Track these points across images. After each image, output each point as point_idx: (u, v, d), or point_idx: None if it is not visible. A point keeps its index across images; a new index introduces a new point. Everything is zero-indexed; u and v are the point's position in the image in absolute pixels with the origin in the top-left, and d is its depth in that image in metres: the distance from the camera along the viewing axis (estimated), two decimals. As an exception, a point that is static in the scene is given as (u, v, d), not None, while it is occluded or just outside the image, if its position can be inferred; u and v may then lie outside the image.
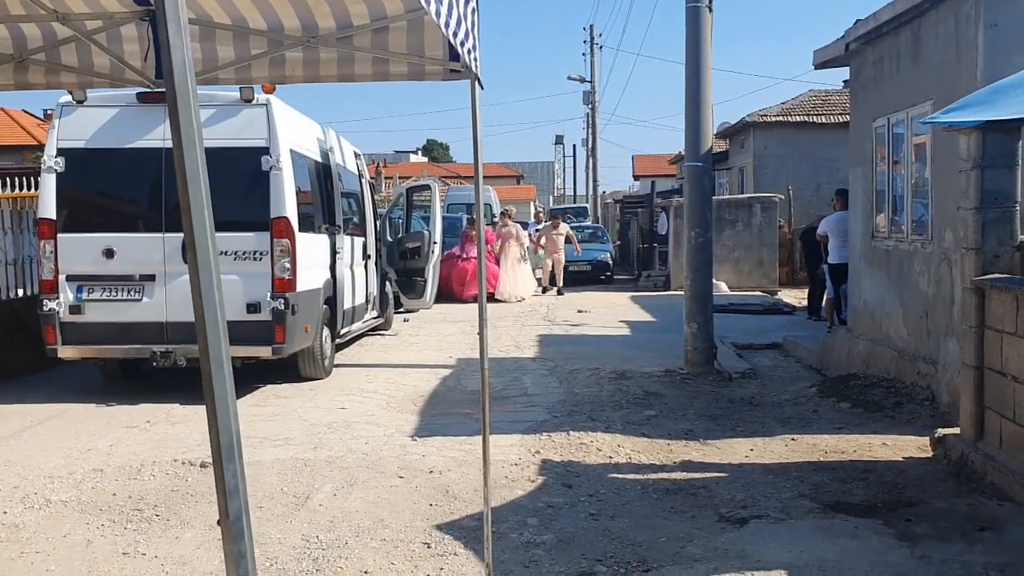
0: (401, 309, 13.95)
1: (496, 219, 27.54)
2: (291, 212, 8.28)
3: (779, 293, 19.57)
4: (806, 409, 8.02)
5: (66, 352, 8.35)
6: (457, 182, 50.98)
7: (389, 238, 13.34)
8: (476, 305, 15.84)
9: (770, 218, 20.43)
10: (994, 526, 4.74)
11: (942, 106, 6.12)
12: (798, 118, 25.07)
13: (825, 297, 13.26)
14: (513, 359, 10.76)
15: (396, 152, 75.85)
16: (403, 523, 5.05)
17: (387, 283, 12.83)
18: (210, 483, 5.80)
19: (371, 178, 14.30)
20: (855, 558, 4.37)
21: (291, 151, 8.47)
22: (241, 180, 8.40)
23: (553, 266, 20.17)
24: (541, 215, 21.17)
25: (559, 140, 77.14)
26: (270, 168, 8.16)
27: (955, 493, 5.37)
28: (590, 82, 35.57)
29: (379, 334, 12.94)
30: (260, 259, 8.23)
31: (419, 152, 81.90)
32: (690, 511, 5.23)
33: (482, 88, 4.02)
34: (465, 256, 18.16)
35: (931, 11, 7.60)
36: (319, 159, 9.63)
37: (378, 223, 12.70)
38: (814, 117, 24.90)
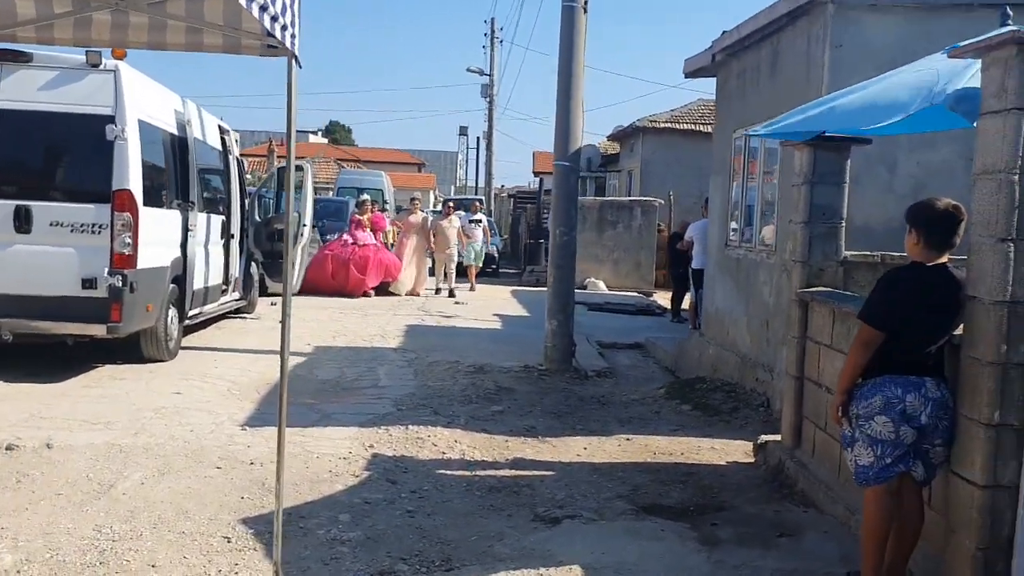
0: (270, 292, 13.58)
1: (387, 206, 27.23)
2: (135, 185, 7.89)
3: (655, 295, 19.96)
4: (649, 410, 8.15)
5: None
6: (355, 166, 50.18)
7: (258, 218, 12.95)
8: (355, 292, 15.22)
9: (649, 222, 20.85)
10: (794, 532, 4.88)
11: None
12: (686, 126, 25.60)
13: (690, 300, 13.60)
14: (373, 349, 10.59)
15: (296, 131, 74.02)
16: (208, 516, 4.85)
17: (253, 265, 12.45)
18: (13, 467, 5.49)
19: (264, 155, 13.82)
20: (653, 560, 4.41)
21: (140, 121, 8.06)
22: (83, 148, 7.99)
23: (445, 264, 17.73)
24: (450, 205, 18.78)
25: (463, 131, 76.62)
26: (115, 138, 7.75)
27: (766, 499, 5.51)
28: (489, 75, 35.56)
29: (241, 317, 12.55)
30: (99, 232, 7.81)
31: (319, 133, 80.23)
32: (508, 509, 5.20)
33: (300, 67, 3.87)
34: (362, 243, 16.50)
35: (788, 27, 7.81)
36: (174, 131, 9.22)
37: (246, 202, 12.31)
38: (701, 126, 25.45)
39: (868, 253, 6.28)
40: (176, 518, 4.78)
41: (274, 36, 3.50)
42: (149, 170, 8.31)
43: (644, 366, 11.07)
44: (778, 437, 6.24)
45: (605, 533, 4.81)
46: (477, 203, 22.94)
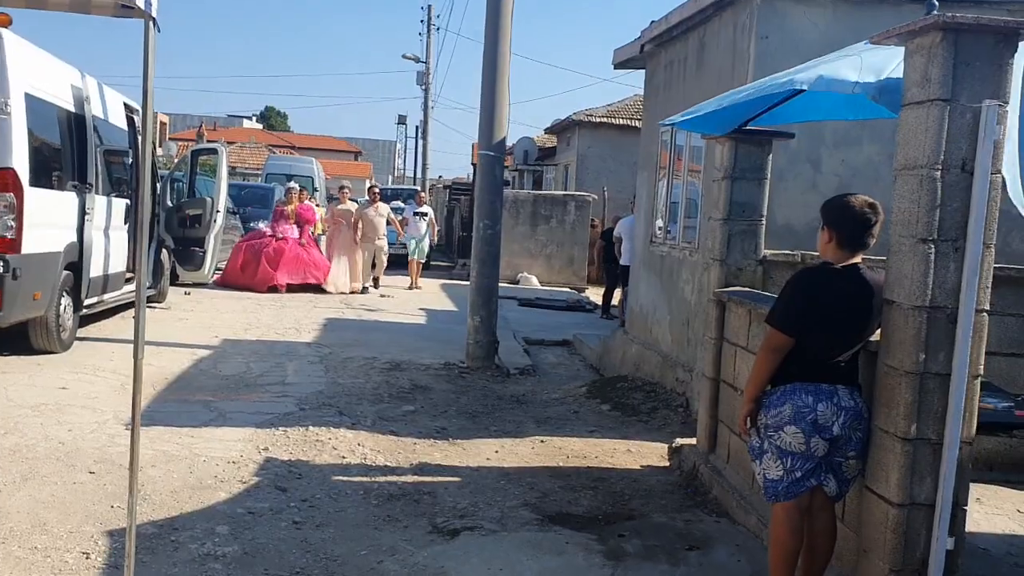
0: (182, 281, 12.96)
1: (317, 194, 26.42)
2: (19, 163, 7.31)
3: (587, 291, 19.77)
4: (568, 410, 7.87)
5: None
6: (287, 151, 49.05)
7: (169, 203, 12.34)
8: (261, 287, 14.06)
9: (583, 217, 20.64)
10: (704, 545, 4.62)
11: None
12: (622, 120, 25.46)
13: (620, 297, 13.40)
14: (286, 343, 10.11)
15: (229, 116, 72.43)
16: (69, 528, 4.40)
17: (163, 252, 11.84)
18: None
19: (193, 139, 13.14)
20: (553, 579, 4.11)
21: (27, 95, 7.47)
22: (-39, 123, 7.36)
23: (374, 257, 16.21)
24: (377, 191, 16.90)
25: (402, 120, 75.68)
26: (-4, 111, 7.16)
27: (678, 507, 5.25)
28: (424, 63, 34.99)
29: (150, 306, 11.92)
30: (-22, 214, 7.22)
31: (254, 118, 78.52)
32: (405, 520, 4.85)
33: (158, 31, 3.46)
34: (280, 235, 15.04)
35: (715, 18, 7.58)
36: (71, 108, 8.60)
37: (158, 186, 11.69)
38: (637, 121, 25.30)
39: (789, 252, 6.08)
40: (31, 531, 4.32)
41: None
42: (38, 148, 7.73)
43: (570, 364, 10.81)
44: (694, 440, 6.00)
45: (505, 547, 4.49)
46: (422, 194, 20.96)
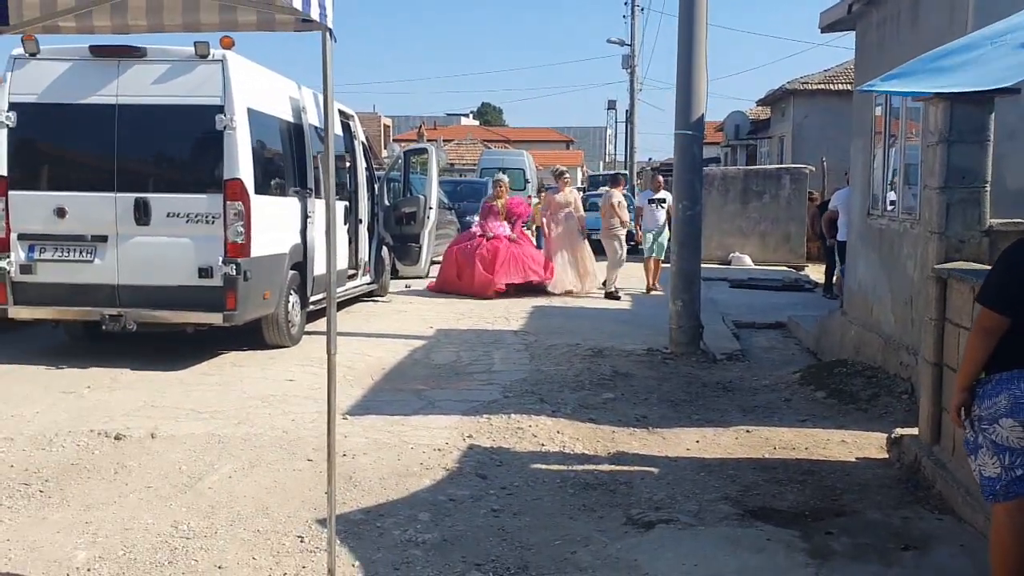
0: (401, 275, 13.67)
1: (528, 186, 26.88)
2: (245, 174, 7.95)
3: (807, 269, 18.83)
4: (779, 397, 7.51)
5: (18, 312, 8.17)
6: (502, 146, 50.38)
7: (387, 202, 13.01)
8: (484, 293, 13.96)
9: (799, 190, 19.63)
10: (922, 545, 4.24)
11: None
12: (840, 86, 23.92)
13: (836, 275, 12.66)
14: (494, 332, 10.37)
15: (448, 115, 75.36)
16: (287, 512, 4.74)
17: (383, 249, 12.51)
18: (115, 457, 5.59)
19: (415, 139, 13.83)
20: (750, 577, 3.93)
21: (249, 109, 8.10)
22: (195, 139, 8.14)
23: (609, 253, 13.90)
24: (621, 179, 14.92)
25: (611, 105, 75.28)
26: (224, 127, 7.82)
27: (895, 503, 4.86)
28: (630, 45, 34.61)
29: (373, 300, 12.65)
30: (213, 222, 7.93)
31: (471, 115, 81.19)
32: (600, 510, 4.82)
33: (335, 41, 3.62)
34: (491, 233, 13.62)
35: (930, -32, 6.92)
36: (289, 119, 9.25)
37: (376, 187, 12.36)
38: (857, 85, 23.73)
39: (1020, 220, 5.43)
40: (255, 515, 4.69)
41: (298, 10, 3.25)
42: (261, 158, 8.37)
43: (783, 348, 10.33)
44: (915, 431, 5.53)
45: (701, 542, 4.35)
46: (659, 177, 15.94)
